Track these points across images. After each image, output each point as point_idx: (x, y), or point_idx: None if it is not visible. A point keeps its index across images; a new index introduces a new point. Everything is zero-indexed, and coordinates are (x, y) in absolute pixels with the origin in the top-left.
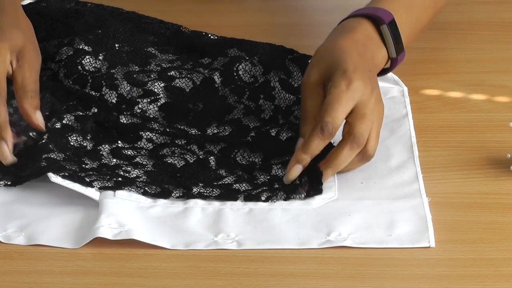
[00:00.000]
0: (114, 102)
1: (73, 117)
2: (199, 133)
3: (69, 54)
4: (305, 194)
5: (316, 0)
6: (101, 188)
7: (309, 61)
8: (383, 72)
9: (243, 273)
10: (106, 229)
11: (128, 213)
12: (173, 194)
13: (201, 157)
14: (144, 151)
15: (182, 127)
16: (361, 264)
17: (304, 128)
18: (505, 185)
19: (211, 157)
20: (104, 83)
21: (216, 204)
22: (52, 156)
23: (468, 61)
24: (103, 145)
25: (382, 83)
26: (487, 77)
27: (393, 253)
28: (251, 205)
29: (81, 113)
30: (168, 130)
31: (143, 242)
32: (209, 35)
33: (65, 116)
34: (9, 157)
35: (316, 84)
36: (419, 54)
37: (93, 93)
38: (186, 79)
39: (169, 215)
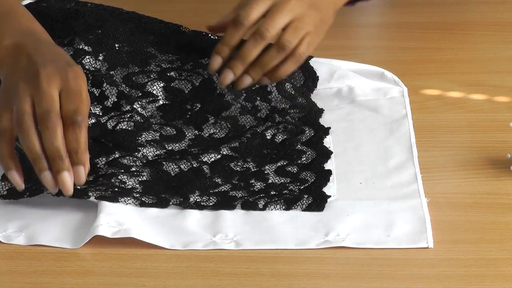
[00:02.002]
0: (115, 99)
1: None
2: (196, 132)
3: (69, 54)
4: (306, 206)
5: None
6: (98, 198)
7: (309, 61)
8: None
9: (243, 273)
10: (105, 228)
11: (126, 212)
12: (170, 203)
13: (194, 165)
14: (139, 162)
15: (179, 126)
16: (361, 264)
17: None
18: (505, 185)
19: (205, 166)
20: (104, 80)
21: None
22: None
23: (468, 61)
24: (101, 158)
25: (382, 84)
26: (487, 77)
27: (393, 253)
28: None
29: None
30: (164, 137)
31: (143, 242)
32: (209, 35)
33: None
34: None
35: None
36: (419, 54)
37: (94, 90)
38: (186, 81)
39: (167, 215)
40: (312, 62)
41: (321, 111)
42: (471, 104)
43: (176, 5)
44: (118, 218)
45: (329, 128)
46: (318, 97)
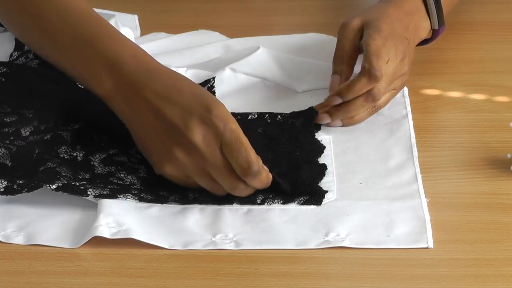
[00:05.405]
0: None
1: (63, 130)
2: None
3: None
4: (304, 201)
5: (316, 0)
6: (97, 196)
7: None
8: (424, 42)
9: (243, 273)
10: (105, 228)
11: (126, 213)
12: (169, 200)
13: None
14: (133, 158)
15: None
16: (361, 264)
17: (338, 66)
18: (505, 185)
19: None
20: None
21: None
22: (49, 165)
23: (468, 61)
24: (94, 155)
25: None
26: (487, 77)
27: (393, 253)
28: (249, 205)
29: (69, 127)
30: None
31: (142, 242)
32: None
33: (55, 129)
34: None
35: (355, 28)
36: (419, 54)
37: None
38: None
39: (167, 215)
40: (313, 62)
41: (315, 112)
42: (471, 104)
43: (176, 5)
44: (118, 218)
45: (321, 124)
46: (319, 97)
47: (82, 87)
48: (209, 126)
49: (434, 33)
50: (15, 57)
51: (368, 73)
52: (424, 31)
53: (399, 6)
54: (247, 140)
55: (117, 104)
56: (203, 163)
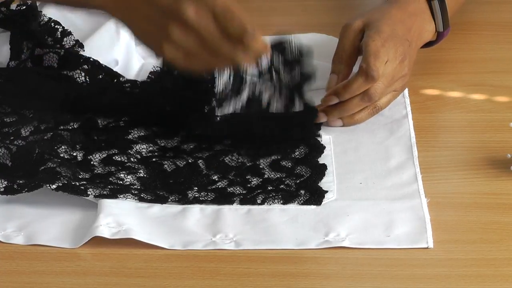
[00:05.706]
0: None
1: (63, 130)
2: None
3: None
4: (304, 201)
5: (316, 0)
6: (97, 196)
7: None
8: (429, 44)
9: (243, 273)
10: (105, 228)
11: (126, 213)
12: (169, 200)
13: (190, 161)
14: (133, 158)
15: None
16: (361, 264)
17: (337, 65)
18: (505, 185)
19: (200, 161)
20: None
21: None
22: (49, 165)
23: (468, 61)
24: (94, 155)
25: None
26: (487, 77)
27: (393, 253)
28: (249, 205)
29: (69, 127)
30: (155, 133)
31: (142, 242)
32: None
33: (55, 129)
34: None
35: (356, 29)
36: (419, 54)
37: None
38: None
39: (168, 215)
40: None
41: (315, 112)
42: (471, 104)
43: None
44: (118, 219)
45: (321, 123)
46: (319, 97)
47: (81, 82)
48: (201, 1)
49: (439, 35)
50: (12, 66)
51: (365, 73)
52: (428, 33)
53: (402, 7)
54: (239, 9)
55: (115, 8)
56: (199, 36)
